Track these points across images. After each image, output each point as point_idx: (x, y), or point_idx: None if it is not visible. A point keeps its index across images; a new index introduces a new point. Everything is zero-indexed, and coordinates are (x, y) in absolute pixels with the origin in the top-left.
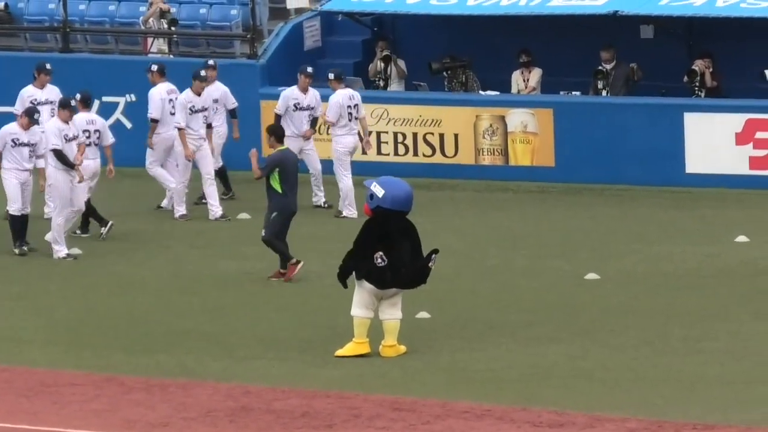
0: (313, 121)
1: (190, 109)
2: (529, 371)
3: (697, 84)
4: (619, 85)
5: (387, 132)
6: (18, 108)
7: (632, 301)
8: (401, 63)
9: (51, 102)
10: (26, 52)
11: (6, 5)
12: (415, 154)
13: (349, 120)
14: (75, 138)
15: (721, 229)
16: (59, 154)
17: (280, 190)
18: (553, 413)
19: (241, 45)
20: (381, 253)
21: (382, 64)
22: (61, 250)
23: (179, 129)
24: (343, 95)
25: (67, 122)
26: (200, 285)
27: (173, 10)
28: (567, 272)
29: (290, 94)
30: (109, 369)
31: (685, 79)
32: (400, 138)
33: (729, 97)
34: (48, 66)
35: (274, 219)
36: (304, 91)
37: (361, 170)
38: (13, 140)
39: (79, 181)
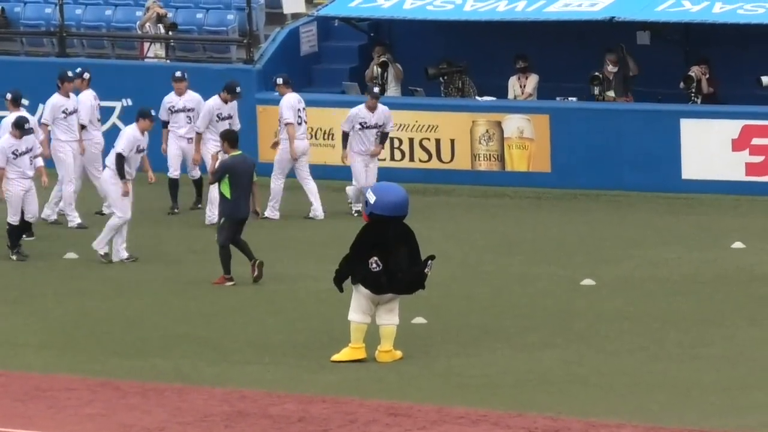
0: (383, 137)
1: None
2: (525, 377)
3: (694, 90)
4: (621, 87)
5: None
6: (48, 118)
7: (628, 306)
8: (398, 65)
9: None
10: (23, 57)
11: (2, 10)
12: (412, 159)
13: (299, 124)
14: (142, 151)
15: (717, 235)
16: (120, 161)
17: (228, 196)
18: (548, 419)
19: (237, 50)
20: (376, 258)
21: (379, 70)
22: (111, 251)
23: (197, 133)
24: (294, 98)
25: (143, 133)
26: (196, 289)
27: (170, 14)
28: (562, 278)
29: (357, 113)
30: (104, 373)
31: (682, 85)
32: (396, 143)
33: (725, 104)
34: (70, 73)
35: (223, 224)
36: (372, 110)
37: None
38: (13, 152)
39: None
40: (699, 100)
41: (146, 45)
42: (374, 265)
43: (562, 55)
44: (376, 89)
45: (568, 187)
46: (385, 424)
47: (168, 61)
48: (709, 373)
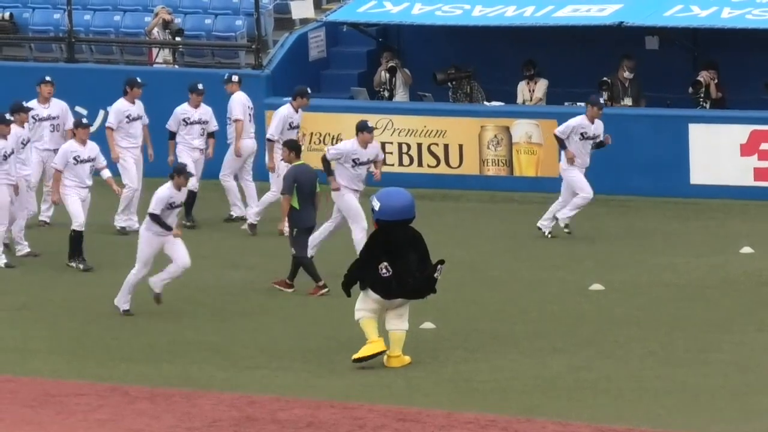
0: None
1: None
2: (533, 382)
3: (702, 95)
4: (636, 94)
5: (392, 142)
6: (113, 122)
7: (636, 312)
8: (406, 71)
9: (141, 117)
10: (31, 63)
11: (11, 15)
12: (420, 164)
13: (249, 122)
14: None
15: (726, 240)
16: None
17: (297, 206)
18: (557, 424)
19: (246, 55)
20: (386, 263)
21: (387, 75)
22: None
23: (270, 141)
24: (244, 97)
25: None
26: (204, 295)
27: (177, 20)
28: (571, 283)
29: (351, 148)
30: (113, 379)
31: (690, 90)
32: (404, 148)
33: (734, 109)
34: (139, 80)
35: (297, 236)
36: (365, 145)
37: (368, 182)
38: (74, 158)
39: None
40: (707, 105)
41: (155, 51)
42: (384, 271)
43: (571, 60)
44: (371, 123)
45: None
46: (393, 429)
47: (176, 66)
48: (717, 379)
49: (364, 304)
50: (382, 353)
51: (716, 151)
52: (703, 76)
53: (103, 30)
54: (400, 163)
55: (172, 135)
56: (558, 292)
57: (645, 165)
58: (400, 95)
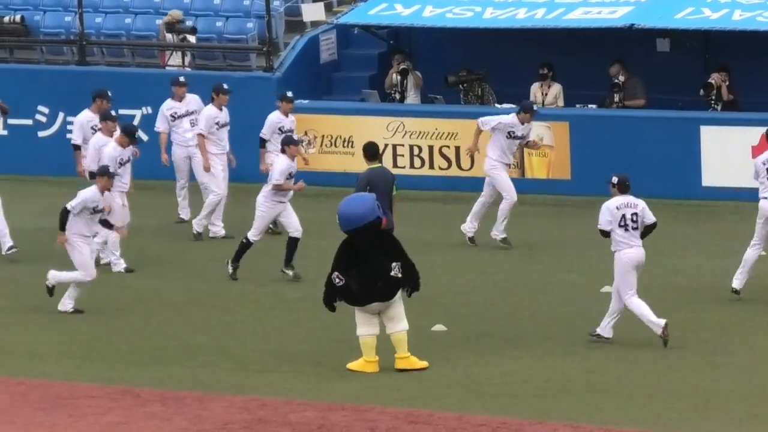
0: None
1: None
2: (545, 385)
3: (714, 97)
4: (638, 95)
5: (403, 145)
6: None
7: None
8: (417, 73)
9: (193, 112)
10: (42, 65)
11: (22, 18)
12: (431, 167)
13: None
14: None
15: (737, 243)
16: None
17: None
18: (568, 427)
19: (257, 58)
20: (337, 273)
21: (399, 77)
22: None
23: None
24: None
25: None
26: (215, 299)
27: (189, 22)
28: (583, 285)
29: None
30: (124, 382)
31: (702, 92)
32: (416, 151)
33: (745, 111)
34: (182, 79)
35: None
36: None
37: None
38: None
39: None
40: (719, 107)
41: (167, 53)
42: (336, 280)
43: (582, 62)
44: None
45: (588, 195)
46: (404, 431)
47: (188, 69)
48: (728, 382)
49: (357, 316)
50: (371, 373)
51: (728, 154)
52: (715, 78)
53: (114, 33)
54: (412, 166)
55: (263, 143)
56: (570, 295)
57: (656, 167)
58: (412, 98)
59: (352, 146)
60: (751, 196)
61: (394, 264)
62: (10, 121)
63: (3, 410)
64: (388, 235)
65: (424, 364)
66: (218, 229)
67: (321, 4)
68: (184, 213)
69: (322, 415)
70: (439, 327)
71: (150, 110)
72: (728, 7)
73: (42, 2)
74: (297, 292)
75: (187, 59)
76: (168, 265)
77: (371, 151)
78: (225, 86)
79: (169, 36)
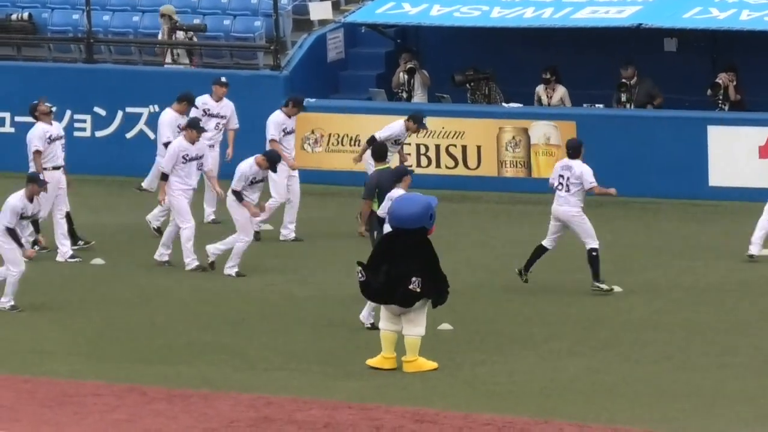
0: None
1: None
2: (551, 384)
3: (721, 97)
4: (643, 101)
5: (410, 144)
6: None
7: (654, 315)
8: (425, 72)
9: (223, 116)
10: (50, 63)
11: (30, 15)
12: (438, 166)
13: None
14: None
15: (744, 243)
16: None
17: (377, 210)
18: (574, 426)
19: (264, 56)
20: (360, 268)
21: (406, 76)
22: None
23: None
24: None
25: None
26: (221, 297)
27: (196, 20)
28: (589, 285)
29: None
30: (130, 380)
31: (709, 92)
32: (422, 150)
33: (753, 111)
34: (223, 79)
35: (378, 238)
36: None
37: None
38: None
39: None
40: (726, 107)
41: (166, 51)
42: (359, 275)
43: (589, 62)
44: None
45: (595, 194)
46: (410, 430)
47: (194, 67)
48: (734, 382)
49: (381, 310)
50: (390, 370)
51: (735, 154)
52: (722, 78)
53: (121, 30)
54: (419, 165)
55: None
56: (576, 295)
57: (663, 167)
58: (419, 96)
59: (358, 145)
60: (757, 195)
61: (414, 279)
62: (17, 119)
63: (9, 408)
64: (428, 245)
65: (433, 365)
66: (288, 232)
67: (328, 3)
68: (214, 214)
69: (328, 414)
70: (445, 326)
71: (157, 108)
72: (736, 7)
73: (50, 0)
74: (304, 291)
75: (180, 54)
76: (176, 263)
77: (380, 153)
78: (302, 100)
79: (180, 34)
